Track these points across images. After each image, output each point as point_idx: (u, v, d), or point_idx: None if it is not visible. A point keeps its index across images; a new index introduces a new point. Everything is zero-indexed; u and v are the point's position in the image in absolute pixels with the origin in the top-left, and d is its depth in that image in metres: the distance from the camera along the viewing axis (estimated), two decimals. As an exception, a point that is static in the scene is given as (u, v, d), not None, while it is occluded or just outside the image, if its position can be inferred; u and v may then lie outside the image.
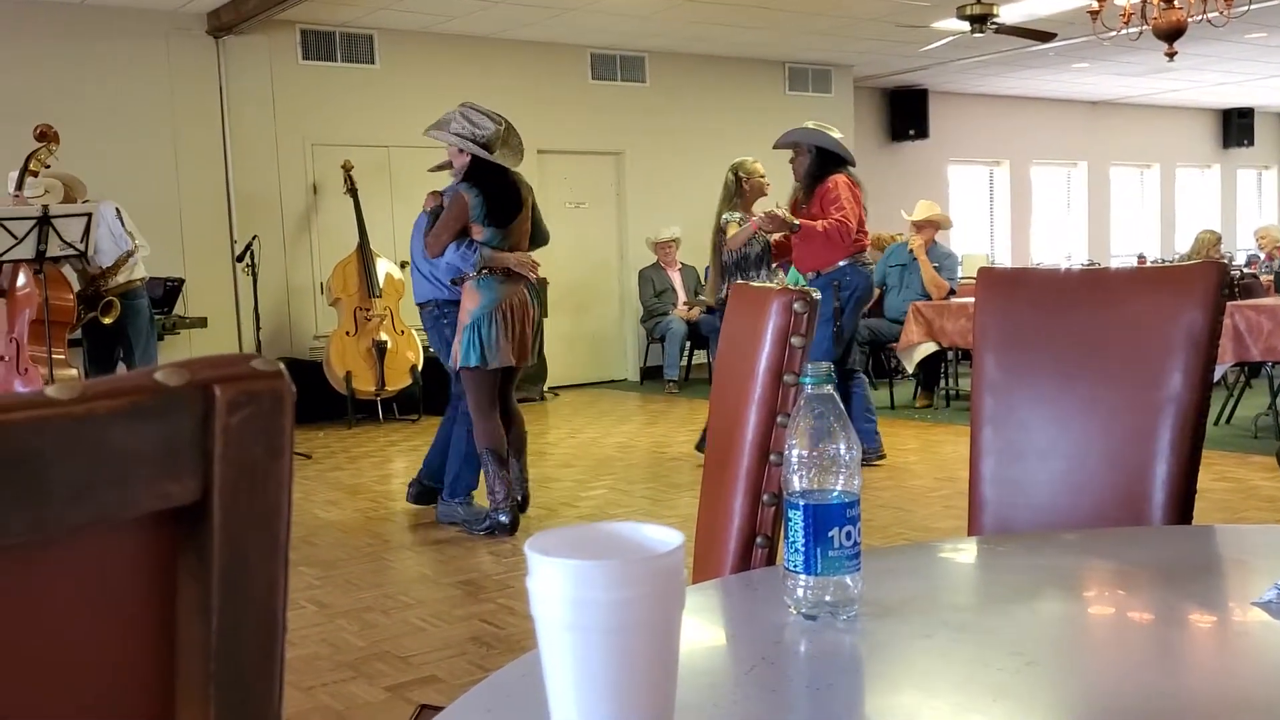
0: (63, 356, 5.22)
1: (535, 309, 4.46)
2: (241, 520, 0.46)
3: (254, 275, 7.21)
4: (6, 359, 5.24)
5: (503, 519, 4.41)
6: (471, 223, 4.28)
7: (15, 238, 4.90)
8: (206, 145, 7.89)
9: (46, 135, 5.41)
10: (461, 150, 4.30)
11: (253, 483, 0.46)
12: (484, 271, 4.29)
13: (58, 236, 5.00)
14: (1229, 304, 1.54)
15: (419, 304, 4.80)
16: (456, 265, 4.36)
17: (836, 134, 5.51)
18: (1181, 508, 1.52)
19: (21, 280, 5.23)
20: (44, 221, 4.95)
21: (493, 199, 4.28)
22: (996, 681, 0.86)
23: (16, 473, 0.40)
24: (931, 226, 7.57)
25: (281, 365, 0.46)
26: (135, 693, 0.47)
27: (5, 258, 4.95)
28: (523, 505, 4.63)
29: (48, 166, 5.45)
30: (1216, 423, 6.41)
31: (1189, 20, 6.85)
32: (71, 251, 5.08)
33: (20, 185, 5.36)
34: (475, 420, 4.37)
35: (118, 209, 5.59)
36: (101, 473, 0.42)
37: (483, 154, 4.24)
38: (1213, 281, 1.54)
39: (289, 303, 8.27)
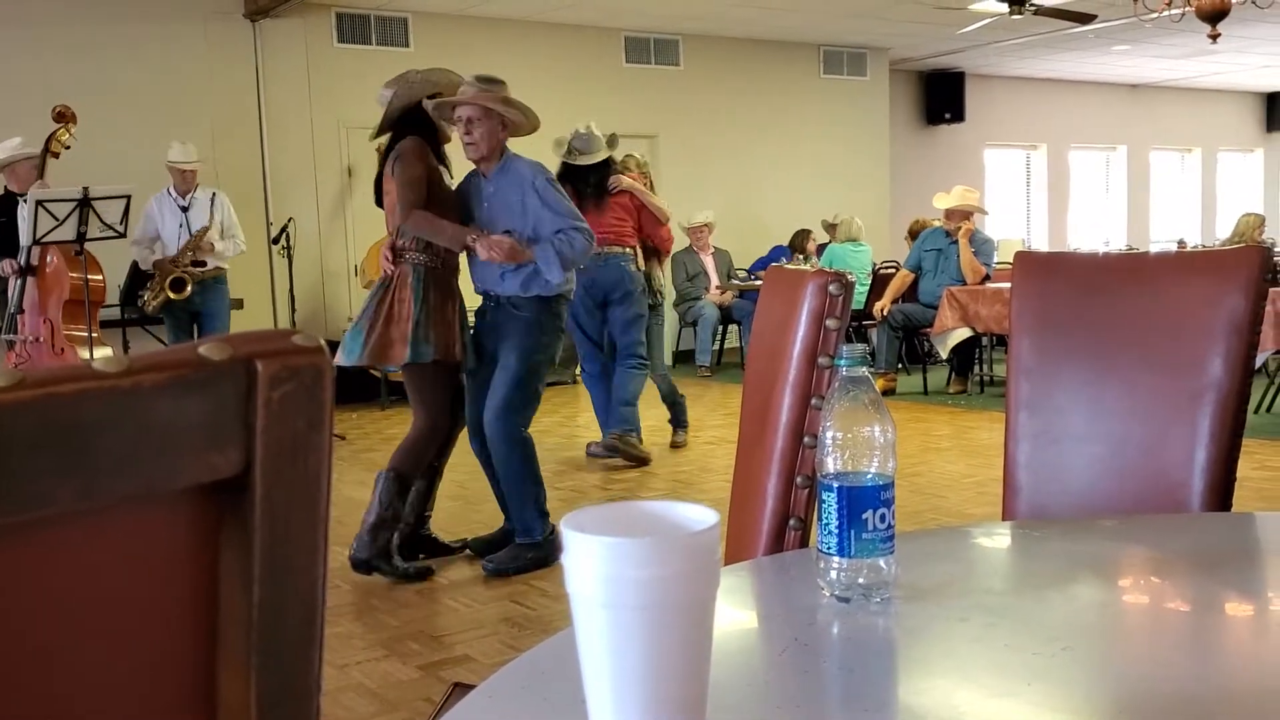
0: (97, 335, 5.28)
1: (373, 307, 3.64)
2: (283, 493, 0.46)
3: (289, 257, 7.27)
4: (41, 339, 5.30)
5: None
6: None
7: (56, 219, 4.96)
8: (243, 128, 7.95)
9: (64, 116, 5.45)
10: None
11: (294, 456, 0.46)
12: None
13: (98, 218, 5.06)
14: (1271, 289, 1.53)
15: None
16: None
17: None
18: (1221, 495, 1.50)
19: (50, 260, 5.29)
20: (84, 203, 5.01)
21: None
22: (1032, 666, 0.86)
23: (64, 443, 0.41)
24: (960, 214, 7.48)
25: (322, 341, 0.47)
26: (177, 662, 0.47)
27: (47, 239, 5.01)
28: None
29: (67, 148, 5.51)
30: (1257, 410, 6.32)
31: (1233, 1, 6.73)
32: (111, 234, 5.14)
33: (42, 172, 5.42)
34: None
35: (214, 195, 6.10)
36: (146, 444, 0.43)
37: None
38: (1255, 266, 1.51)
39: (324, 285, 8.34)
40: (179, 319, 6.07)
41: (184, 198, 6.06)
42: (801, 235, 9.53)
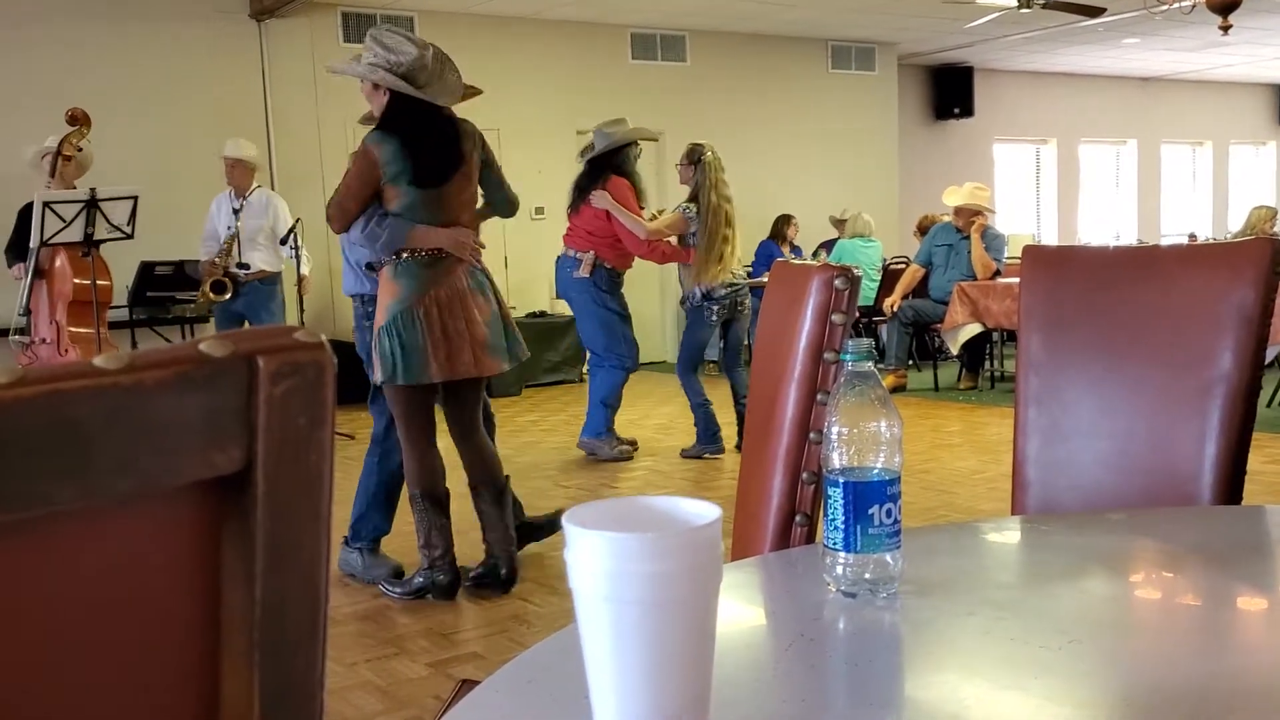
0: (105, 335, 5.31)
1: (489, 301, 3.30)
2: (284, 489, 0.46)
3: (297, 257, 7.28)
4: (49, 341, 5.32)
5: (440, 578, 3.40)
6: (384, 185, 3.18)
7: (64, 220, 4.97)
8: (249, 128, 7.95)
9: (77, 119, 5.46)
10: (377, 86, 3.23)
11: (295, 452, 0.46)
12: (404, 254, 3.21)
13: (105, 219, 5.07)
14: (1282, 282, 1.52)
15: (348, 296, 3.87)
16: (361, 247, 3.39)
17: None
18: (1230, 489, 1.50)
19: (57, 263, 5.31)
20: (91, 204, 5.03)
21: (416, 150, 3.16)
22: (1039, 660, 0.85)
23: (64, 441, 0.41)
24: (969, 211, 7.44)
25: (323, 337, 0.47)
26: (180, 660, 0.47)
27: (54, 240, 5.03)
28: (507, 578, 3.48)
29: (80, 150, 5.53)
30: (1269, 404, 6.29)
31: (1243, -7, 6.70)
32: (118, 235, 5.16)
33: (54, 172, 5.42)
34: (404, 452, 3.35)
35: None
36: (147, 442, 0.43)
37: (403, 87, 3.15)
38: (1265, 259, 1.51)
39: (332, 284, 8.34)
40: (225, 321, 6.18)
41: (237, 198, 6.10)
42: (782, 221, 9.17)
